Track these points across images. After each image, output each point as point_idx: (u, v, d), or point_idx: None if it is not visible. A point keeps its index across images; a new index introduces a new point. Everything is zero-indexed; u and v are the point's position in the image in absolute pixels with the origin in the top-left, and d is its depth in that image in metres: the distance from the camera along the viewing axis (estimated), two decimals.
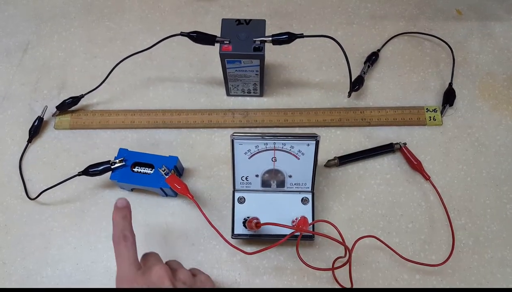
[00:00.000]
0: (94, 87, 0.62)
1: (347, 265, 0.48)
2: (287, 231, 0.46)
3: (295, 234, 0.47)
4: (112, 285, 0.44)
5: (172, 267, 0.45)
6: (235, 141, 0.49)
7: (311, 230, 0.51)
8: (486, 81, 0.66)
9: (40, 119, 0.61)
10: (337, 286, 0.52)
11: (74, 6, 0.73)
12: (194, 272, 0.46)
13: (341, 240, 0.45)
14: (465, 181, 0.59)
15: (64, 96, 0.64)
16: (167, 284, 0.41)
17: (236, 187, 0.53)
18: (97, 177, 0.56)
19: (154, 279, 0.41)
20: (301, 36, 0.54)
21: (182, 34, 0.55)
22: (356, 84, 0.63)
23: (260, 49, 0.54)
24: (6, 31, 0.71)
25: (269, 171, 0.51)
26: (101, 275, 0.53)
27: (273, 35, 0.54)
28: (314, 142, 0.49)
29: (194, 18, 0.72)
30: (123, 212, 0.44)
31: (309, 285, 0.53)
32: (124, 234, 0.43)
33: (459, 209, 0.57)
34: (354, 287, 0.51)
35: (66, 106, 0.62)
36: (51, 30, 0.71)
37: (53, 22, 0.72)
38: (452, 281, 0.53)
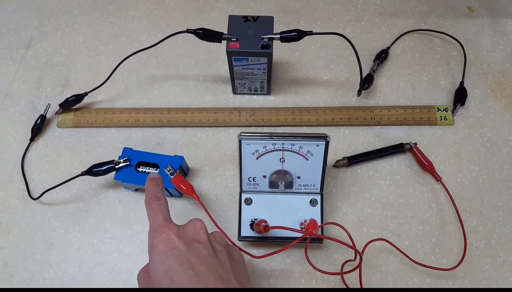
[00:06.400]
0: (98, 84, 0.61)
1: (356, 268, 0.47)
2: (296, 234, 0.45)
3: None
4: (116, 287, 0.43)
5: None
6: (242, 141, 0.48)
7: (321, 233, 0.50)
8: (498, 79, 0.64)
9: (42, 117, 0.60)
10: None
11: (77, 2, 0.72)
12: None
13: (351, 244, 0.44)
14: (477, 182, 0.57)
15: (68, 93, 0.63)
16: (202, 237, 0.40)
17: (243, 188, 0.51)
18: (101, 177, 0.55)
19: (189, 229, 0.40)
20: (311, 33, 0.53)
21: (188, 31, 0.53)
22: (366, 83, 0.62)
23: (268, 46, 0.52)
24: (8, 27, 0.70)
25: (277, 172, 0.50)
26: (104, 277, 0.52)
27: (281, 32, 0.52)
28: (324, 142, 0.48)
29: (199, 14, 0.71)
30: (156, 181, 0.45)
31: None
32: (157, 196, 0.43)
33: (470, 211, 0.55)
34: None
35: (70, 104, 0.61)
36: (54, 27, 0.70)
37: (56, 18, 0.71)
38: (463, 285, 0.51)
